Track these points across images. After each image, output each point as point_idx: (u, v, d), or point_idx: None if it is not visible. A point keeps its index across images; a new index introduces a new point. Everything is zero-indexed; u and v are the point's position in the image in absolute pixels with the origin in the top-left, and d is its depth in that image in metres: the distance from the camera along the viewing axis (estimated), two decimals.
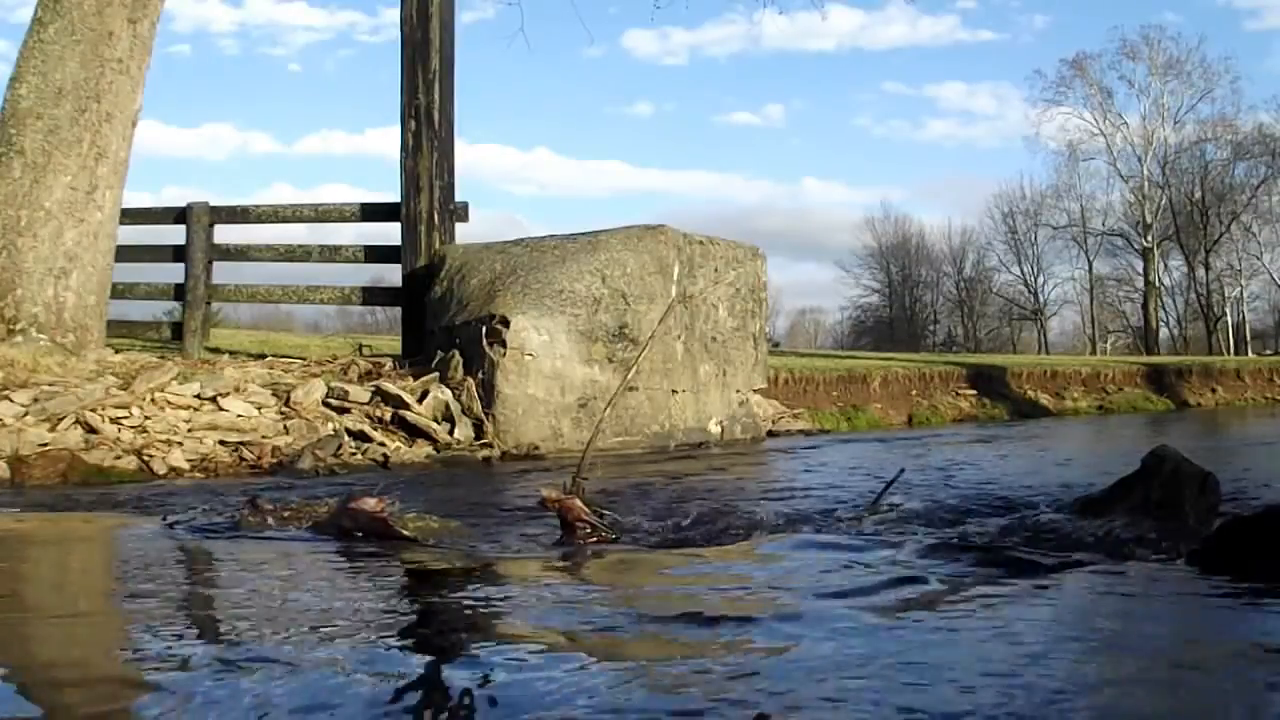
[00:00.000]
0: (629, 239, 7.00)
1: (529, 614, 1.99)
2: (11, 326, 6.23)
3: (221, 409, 5.88)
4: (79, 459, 5.02)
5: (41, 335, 6.28)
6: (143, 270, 9.13)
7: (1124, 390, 14.65)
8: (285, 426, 5.88)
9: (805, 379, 10.99)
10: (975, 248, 46.39)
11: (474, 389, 6.36)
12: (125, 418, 5.50)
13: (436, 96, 7.77)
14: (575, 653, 1.67)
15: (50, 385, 5.61)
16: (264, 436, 5.70)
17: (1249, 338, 38.72)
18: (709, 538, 2.85)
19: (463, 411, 6.30)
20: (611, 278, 6.75)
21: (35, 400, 5.41)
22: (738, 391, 7.86)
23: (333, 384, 6.43)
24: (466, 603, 2.14)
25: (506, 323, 6.33)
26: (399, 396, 6.25)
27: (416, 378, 6.61)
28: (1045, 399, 13.43)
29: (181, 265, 8.62)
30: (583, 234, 7.11)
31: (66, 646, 1.88)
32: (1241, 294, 38.99)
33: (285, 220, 8.92)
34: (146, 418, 5.55)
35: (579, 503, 2.84)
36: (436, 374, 6.56)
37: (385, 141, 61.47)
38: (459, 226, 7.95)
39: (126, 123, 6.78)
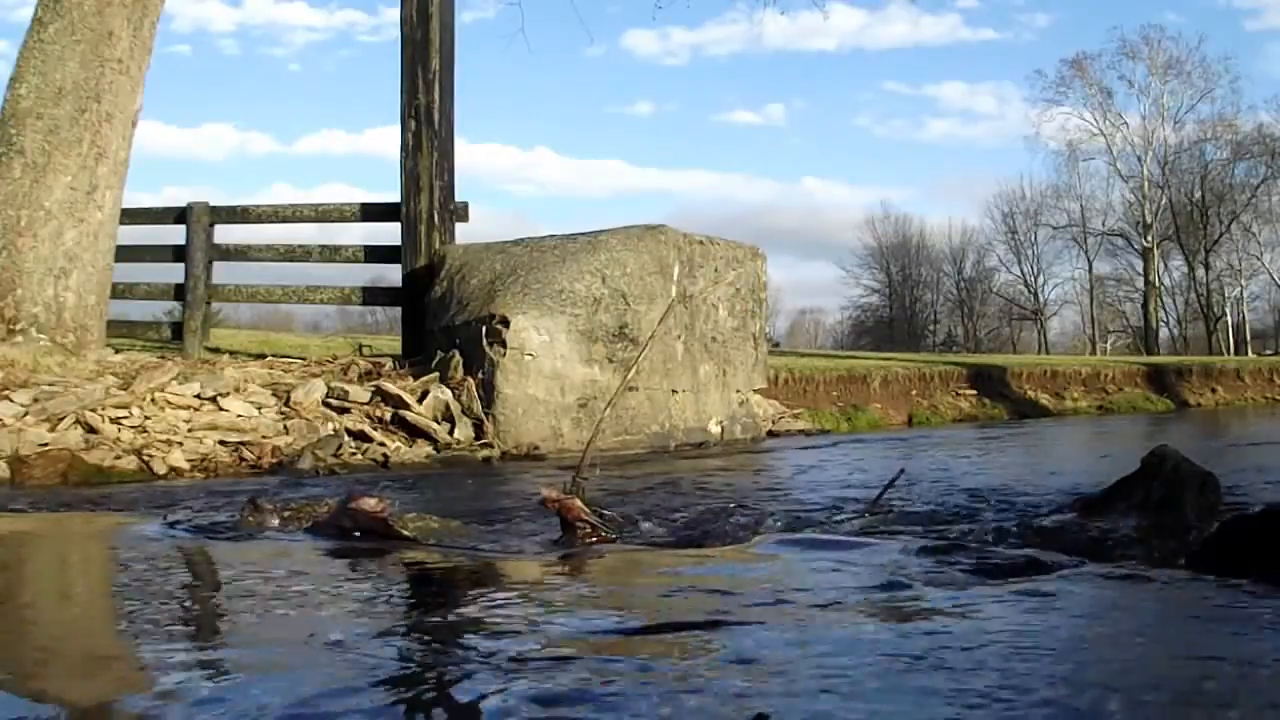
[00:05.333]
0: (629, 239, 7.00)
1: (528, 613, 1.99)
2: (11, 326, 6.22)
3: (221, 409, 5.88)
4: (79, 459, 5.02)
5: (41, 335, 6.28)
6: (143, 270, 9.14)
7: (1124, 390, 14.64)
8: (285, 426, 5.88)
9: (805, 379, 10.99)
10: (975, 248, 46.48)
11: (474, 389, 6.36)
12: (125, 418, 5.50)
13: (436, 96, 7.77)
14: (574, 652, 1.67)
15: (50, 385, 5.61)
16: (264, 436, 5.70)
17: (1249, 338, 38.74)
18: (708, 538, 2.85)
19: (463, 411, 6.30)
20: (611, 278, 6.75)
21: (35, 400, 5.41)
22: (738, 391, 7.86)
23: (333, 384, 6.43)
24: (465, 602, 2.14)
25: (506, 323, 6.33)
26: (399, 396, 6.25)
27: (416, 378, 6.61)
28: (1045, 399, 13.43)
29: (181, 265, 8.62)
30: (583, 234, 7.11)
31: (64, 648, 1.88)
32: (1241, 294, 39.02)
33: (285, 220, 8.92)
34: (146, 418, 5.55)
35: (579, 503, 2.84)
36: (436, 374, 6.55)
37: (385, 141, 61.52)
38: (459, 226, 7.95)
39: (126, 123, 6.78)
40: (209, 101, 73.26)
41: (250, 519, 3.12)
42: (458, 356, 6.54)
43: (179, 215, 8.71)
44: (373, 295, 9.00)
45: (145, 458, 5.18)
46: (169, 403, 5.77)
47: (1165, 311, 40.73)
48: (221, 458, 5.41)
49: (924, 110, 67.32)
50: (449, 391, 6.38)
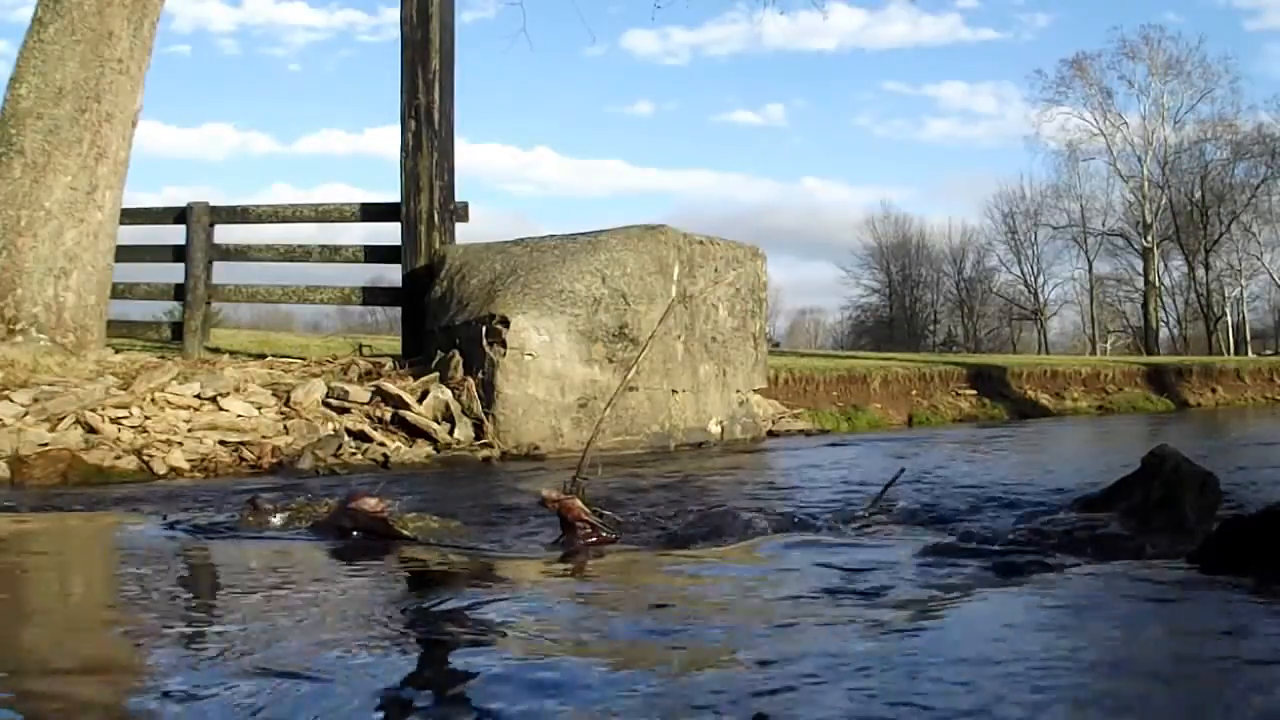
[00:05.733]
0: (629, 239, 7.00)
1: (528, 613, 1.99)
2: (11, 326, 6.23)
3: (221, 409, 5.88)
4: (79, 459, 5.02)
5: (41, 335, 6.28)
6: (143, 270, 9.14)
7: (1124, 390, 14.64)
8: (285, 426, 5.88)
9: (805, 379, 10.99)
10: (975, 248, 46.47)
11: (474, 389, 6.36)
12: (125, 418, 5.50)
13: (436, 96, 7.77)
14: (572, 652, 1.67)
15: (50, 385, 5.61)
16: (264, 436, 5.70)
17: (1249, 338, 38.75)
18: (708, 538, 2.85)
19: (463, 411, 6.30)
20: (611, 278, 6.75)
21: (35, 400, 5.41)
22: (738, 391, 7.86)
23: (333, 384, 6.43)
24: (465, 602, 2.14)
25: (506, 323, 6.33)
26: (399, 396, 6.25)
27: (416, 378, 6.61)
28: (1045, 399, 13.43)
29: (181, 265, 8.63)
30: (583, 234, 7.11)
31: (64, 648, 1.87)
32: (1241, 294, 39.03)
33: (285, 220, 8.92)
34: (146, 418, 5.55)
35: (579, 503, 2.84)
36: (436, 374, 6.56)
37: (385, 141, 61.50)
38: (459, 226, 7.96)
39: (126, 123, 6.79)
40: (209, 101, 73.37)
41: (250, 519, 3.12)
42: (458, 356, 6.54)
43: (179, 215, 8.71)
44: (373, 295, 9.00)
45: (145, 458, 5.18)
46: (169, 403, 5.77)
47: (1165, 311, 40.75)
48: (221, 458, 5.41)
49: (924, 110, 67.41)
50: (449, 391, 6.38)
